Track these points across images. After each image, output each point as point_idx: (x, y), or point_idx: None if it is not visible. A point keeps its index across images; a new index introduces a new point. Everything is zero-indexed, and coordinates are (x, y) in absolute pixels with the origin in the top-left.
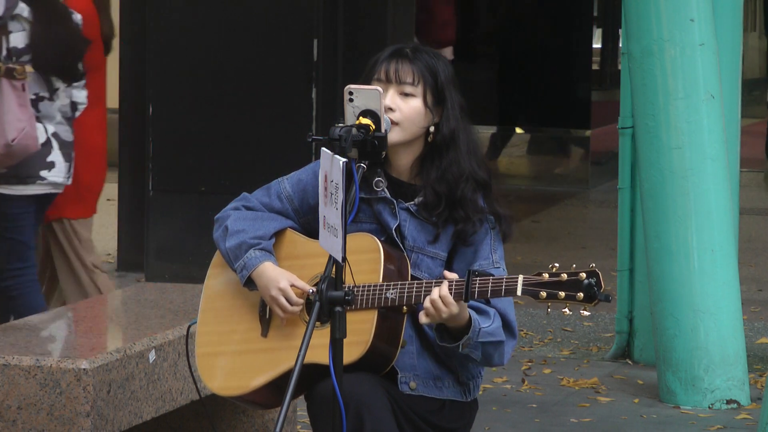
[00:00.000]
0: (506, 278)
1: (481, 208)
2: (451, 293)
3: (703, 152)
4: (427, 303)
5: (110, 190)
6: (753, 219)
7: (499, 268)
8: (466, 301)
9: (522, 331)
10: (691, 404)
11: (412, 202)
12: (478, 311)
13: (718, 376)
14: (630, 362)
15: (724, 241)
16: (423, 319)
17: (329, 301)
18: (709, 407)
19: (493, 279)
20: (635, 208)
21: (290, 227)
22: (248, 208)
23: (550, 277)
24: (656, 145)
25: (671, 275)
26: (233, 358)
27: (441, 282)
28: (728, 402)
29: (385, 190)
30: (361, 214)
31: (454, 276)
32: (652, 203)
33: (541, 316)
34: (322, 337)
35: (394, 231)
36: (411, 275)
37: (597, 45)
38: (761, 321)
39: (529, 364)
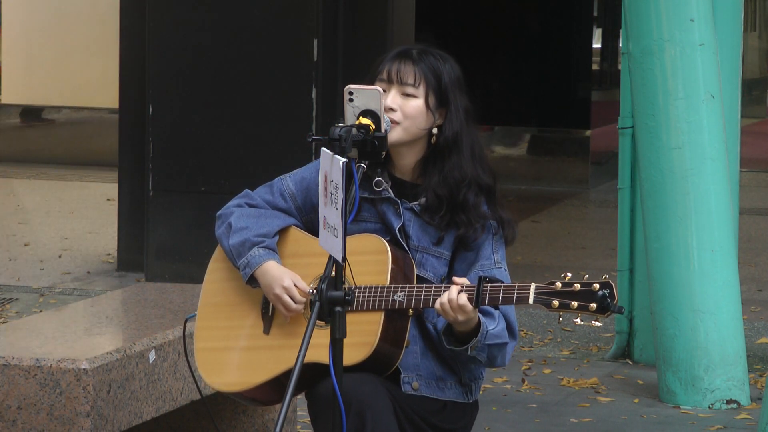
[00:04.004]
0: (518, 286)
1: (483, 213)
2: None
3: (703, 152)
4: (437, 305)
5: (110, 190)
6: (753, 219)
7: (501, 268)
8: (476, 307)
9: (522, 331)
10: (691, 404)
11: (416, 203)
12: (483, 313)
13: (718, 376)
14: (630, 362)
15: (724, 241)
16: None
17: (329, 301)
18: (709, 407)
19: (504, 286)
20: (635, 208)
21: (294, 225)
22: (251, 206)
23: (562, 286)
24: (656, 145)
25: (671, 275)
26: (234, 354)
27: (449, 286)
28: (728, 402)
29: (389, 189)
30: (365, 213)
31: (464, 281)
32: (652, 203)
33: (541, 316)
34: (324, 336)
35: (398, 231)
36: (416, 275)
37: (597, 45)
38: (761, 321)
39: (529, 364)
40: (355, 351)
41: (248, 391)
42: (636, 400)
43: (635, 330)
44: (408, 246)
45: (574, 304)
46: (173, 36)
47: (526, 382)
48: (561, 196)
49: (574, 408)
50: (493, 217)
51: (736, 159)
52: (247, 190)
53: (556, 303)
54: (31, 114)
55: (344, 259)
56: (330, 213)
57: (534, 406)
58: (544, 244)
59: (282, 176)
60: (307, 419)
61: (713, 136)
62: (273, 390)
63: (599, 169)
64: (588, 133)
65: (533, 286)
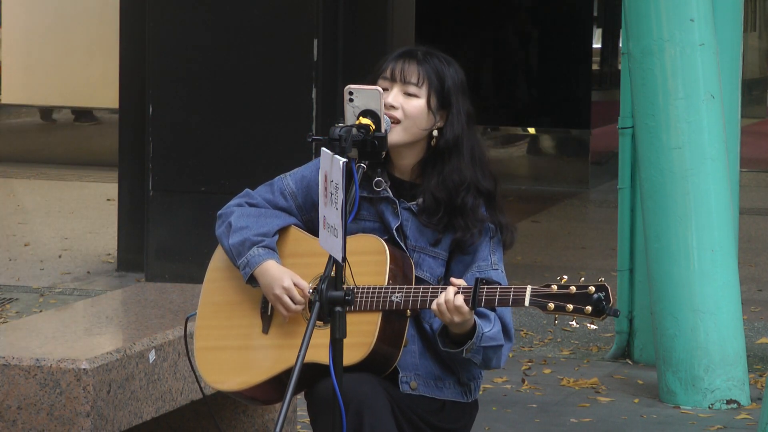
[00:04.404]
0: (514, 288)
1: (481, 217)
2: None
3: (703, 152)
4: (434, 306)
5: (110, 190)
6: (753, 219)
7: (497, 269)
8: (473, 308)
9: (522, 331)
10: (691, 404)
11: (414, 203)
12: (478, 314)
13: (718, 376)
14: (630, 362)
15: (724, 241)
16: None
17: (329, 302)
18: (709, 407)
19: (500, 288)
20: (635, 208)
21: (294, 224)
22: (251, 205)
23: (558, 289)
24: (656, 145)
25: (671, 275)
26: (233, 354)
27: (446, 287)
28: (728, 402)
29: (388, 189)
30: (364, 212)
31: (461, 282)
32: (652, 203)
33: (541, 316)
34: (323, 336)
35: (395, 230)
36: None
37: (597, 45)
38: (761, 321)
39: (529, 364)
40: (352, 351)
41: (248, 390)
42: (636, 400)
43: (635, 330)
44: (406, 246)
45: (570, 306)
46: (173, 36)
47: (526, 382)
48: (561, 196)
49: (574, 408)
50: (492, 221)
51: (736, 159)
52: (247, 190)
53: (551, 306)
54: (31, 114)
55: (344, 259)
56: (330, 213)
57: (534, 406)
58: (544, 244)
59: (282, 175)
60: (307, 419)
61: (713, 136)
62: (273, 389)
63: (599, 169)
64: (588, 133)
65: (529, 288)
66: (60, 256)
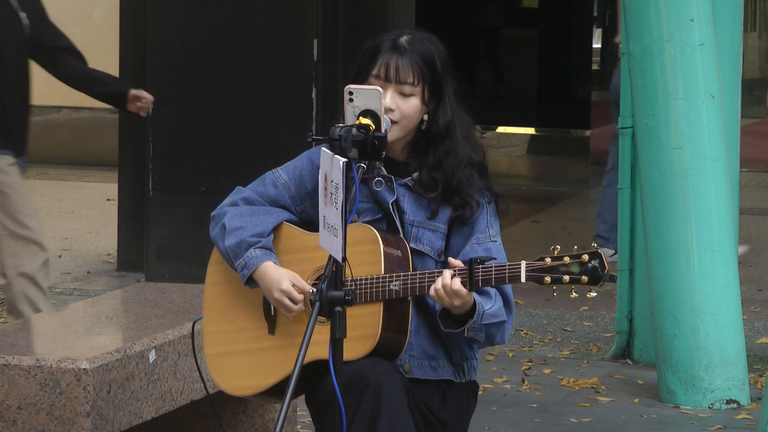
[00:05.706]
0: (509, 265)
1: (478, 185)
2: None
3: (703, 152)
4: (432, 292)
5: (110, 190)
6: (753, 219)
7: (495, 241)
8: (471, 290)
9: (522, 331)
10: (691, 404)
11: (410, 178)
12: (479, 292)
13: (718, 376)
14: (630, 362)
15: (724, 241)
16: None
17: (329, 302)
18: (709, 407)
19: (496, 267)
20: (635, 208)
21: (287, 220)
22: (245, 200)
23: (552, 261)
24: (656, 145)
25: (671, 275)
26: (243, 358)
27: (443, 271)
28: (728, 402)
29: (382, 168)
30: (359, 193)
31: (457, 263)
32: (652, 203)
33: (540, 316)
34: (326, 333)
35: (391, 205)
36: (412, 249)
37: (597, 45)
38: (761, 321)
39: (529, 364)
40: (359, 344)
41: (262, 393)
42: (636, 400)
43: (635, 330)
44: (402, 221)
45: (566, 278)
46: (173, 36)
47: (526, 382)
48: (561, 196)
49: (574, 408)
50: (486, 188)
51: (736, 159)
52: (239, 187)
53: (548, 279)
54: (32, 114)
55: (344, 259)
56: (330, 213)
57: (534, 406)
58: (544, 244)
59: (273, 170)
60: (308, 419)
61: (713, 136)
62: (286, 387)
63: (599, 169)
64: (588, 133)
65: (524, 264)
66: (60, 256)
